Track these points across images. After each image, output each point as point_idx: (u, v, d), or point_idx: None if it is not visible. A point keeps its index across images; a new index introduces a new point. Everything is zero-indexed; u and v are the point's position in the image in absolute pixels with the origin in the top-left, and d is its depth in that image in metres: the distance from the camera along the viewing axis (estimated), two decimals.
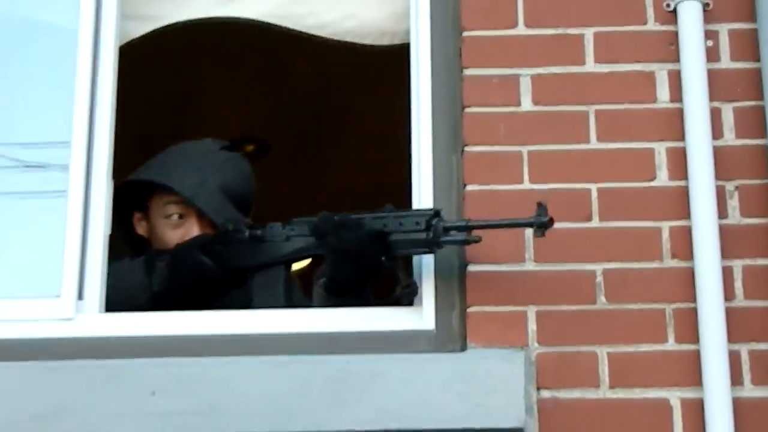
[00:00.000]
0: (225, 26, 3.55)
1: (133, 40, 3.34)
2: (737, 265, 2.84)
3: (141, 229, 3.44)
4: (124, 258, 3.32)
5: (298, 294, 3.24)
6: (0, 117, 3.37)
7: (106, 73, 3.12)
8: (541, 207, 2.74)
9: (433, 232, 2.80)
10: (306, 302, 3.13)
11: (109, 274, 3.15)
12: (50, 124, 3.27)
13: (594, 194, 2.85)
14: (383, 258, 2.89)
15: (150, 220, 3.44)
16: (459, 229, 2.83)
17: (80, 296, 2.92)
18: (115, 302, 3.12)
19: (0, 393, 2.76)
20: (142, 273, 3.25)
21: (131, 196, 3.43)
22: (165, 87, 3.40)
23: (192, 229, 3.36)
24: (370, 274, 2.97)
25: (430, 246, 2.83)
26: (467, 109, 2.95)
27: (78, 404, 2.73)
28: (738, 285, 2.82)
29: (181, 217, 3.39)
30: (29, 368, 2.79)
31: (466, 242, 2.85)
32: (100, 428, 2.73)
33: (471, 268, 2.84)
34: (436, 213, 2.82)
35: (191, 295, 3.17)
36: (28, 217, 3.29)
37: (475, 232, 2.88)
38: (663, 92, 2.92)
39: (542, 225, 2.72)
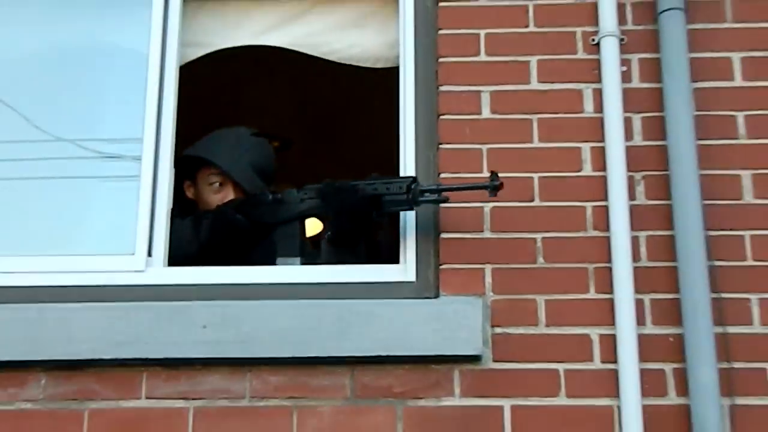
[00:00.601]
0: (260, 51, 3.59)
1: (190, 61, 3.46)
2: (642, 235, 2.96)
3: (190, 193, 3.55)
4: (175, 219, 3.37)
5: (308, 245, 3.30)
6: (87, 119, 3.44)
7: (169, 87, 3.26)
8: (494, 174, 2.86)
9: (412, 194, 2.91)
10: (315, 252, 3.22)
11: (178, 223, 3.32)
12: (126, 125, 3.35)
13: (536, 181, 2.98)
14: (374, 214, 2.98)
15: (197, 187, 3.55)
16: (431, 191, 2.94)
17: (149, 254, 3.09)
18: (173, 253, 3.28)
19: (89, 326, 2.92)
20: (191, 228, 3.35)
21: (183, 169, 3.51)
22: (213, 97, 3.52)
23: (228, 194, 3.47)
24: (363, 228, 3.07)
25: (410, 204, 2.94)
26: (442, 117, 3.08)
27: (147, 335, 2.90)
28: (643, 250, 2.95)
29: (220, 185, 3.50)
30: (111, 308, 2.94)
31: (437, 202, 2.95)
32: (164, 353, 2.89)
33: (443, 235, 2.97)
34: (414, 179, 2.93)
35: (228, 244, 3.30)
36: (108, 196, 3.36)
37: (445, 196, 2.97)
38: (588, 105, 3.04)
39: (495, 187, 2.83)
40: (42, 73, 3.46)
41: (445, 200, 2.92)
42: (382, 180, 3.01)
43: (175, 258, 3.27)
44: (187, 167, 3.53)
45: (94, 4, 3.50)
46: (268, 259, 3.20)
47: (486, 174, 2.99)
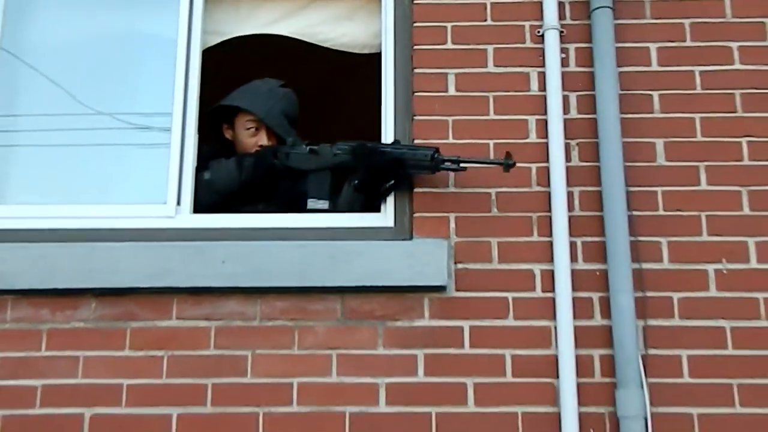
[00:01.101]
0: (268, 38, 3.54)
1: (211, 47, 3.44)
2: (576, 190, 2.99)
3: (228, 135, 3.50)
4: (221, 160, 3.41)
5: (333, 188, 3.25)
6: (125, 96, 3.41)
7: (194, 68, 3.25)
8: (508, 153, 2.88)
9: (435, 161, 2.91)
10: (337, 197, 3.22)
11: (210, 169, 3.34)
12: (158, 101, 3.31)
13: (491, 147, 3.01)
14: (399, 173, 2.99)
15: (234, 131, 3.50)
16: (452, 161, 2.94)
17: (178, 203, 3.11)
18: (216, 190, 3.32)
19: (130, 261, 2.95)
20: (234, 168, 3.34)
21: (221, 114, 3.52)
22: (229, 76, 3.51)
23: (262, 137, 3.44)
24: (384, 183, 3.07)
25: (432, 170, 2.95)
26: (416, 94, 3.10)
27: (176, 268, 2.94)
28: (576, 202, 2.99)
29: (256, 129, 3.46)
30: (148, 246, 2.98)
31: (456, 170, 2.96)
32: (191, 283, 2.92)
33: (416, 190, 3.00)
34: (436, 150, 2.93)
35: (264, 184, 3.29)
36: (144, 158, 3.34)
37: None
38: (534, 85, 3.07)
39: (509, 165, 2.86)
40: (88, 56, 3.42)
41: (464, 170, 2.93)
42: (408, 147, 3.02)
43: (213, 193, 3.30)
44: (225, 113, 3.51)
45: None
46: (300, 199, 3.21)
47: (452, 141, 3.04)
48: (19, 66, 3.37)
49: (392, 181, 3.03)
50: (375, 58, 3.32)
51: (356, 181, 3.08)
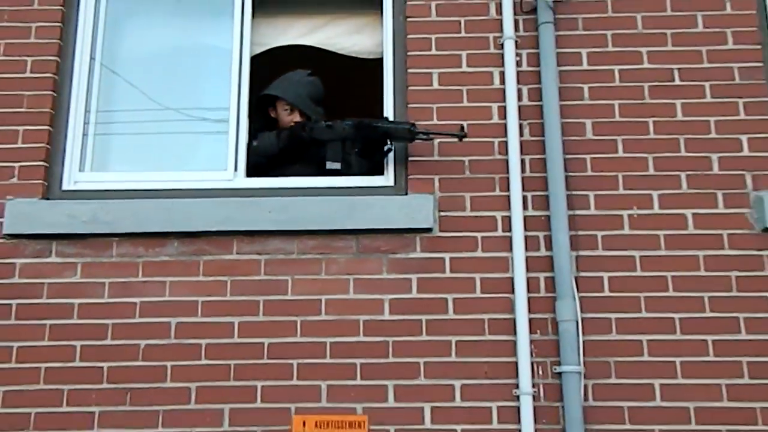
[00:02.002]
0: (298, 48, 3.46)
1: (256, 54, 3.31)
2: (527, 158, 2.93)
3: (273, 114, 3.38)
4: (266, 132, 3.28)
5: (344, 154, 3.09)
6: (190, 93, 3.28)
7: (244, 71, 3.14)
8: (461, 127, 2.84)
9: (411, 133, 2.88)
10: (347, 160, 3.12)
11: (257, 139, 3.24)
12: (217, 98, 3.21)
13: (465, 127, 2.88)
14: (389, 142, 2.98)
15: (276, 112, 3.38)
16: (424, 134, 2.89)
17: (235, 170, 3.03)
18: (261, 153, 3.22)
19: (201, 212, 2.91)
20: (274, 138, 3.24)
21: (267, 100, 3.38)
22: (269, 77, 3.42)
23: (296, 116, 3.30)
24: (382, 149, 3.04)
25: (410, 139, 2.91)
26: (409, 88, 3.03)
27: (235, 216, 2.90)
28: (527, 166, 2.93)
29: (291, 110, 3.32)
30: (213, 202, 2.94)
31: (426, 139, 2.90)
32: (246, 227, 2.88)
33: (410, 159, 2.96)
34: (413, 124, 2.89)
35: (295, 150, 3.20)
36: (211, 139, 3.22)
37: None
38: (496, 80, 3.00)
39: (461, 136, 2.82)
40: (160, 63, 3.31)
41: (431, 139, 2.90)
42: (394, 123, 2.99)
43: (259, 156, 3.21)
44: (269, 98, 3.40)
45: (195, 16, 3.35)
46: (321, 161, 3.13)
47: (436, 122, 2.98)
48: (112, 74, 3.28)
49: (391, 148, 2.98)
50: (379, 62, 3.26)
51: (356, 150, 3.04)
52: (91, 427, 2.70)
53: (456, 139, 2.83)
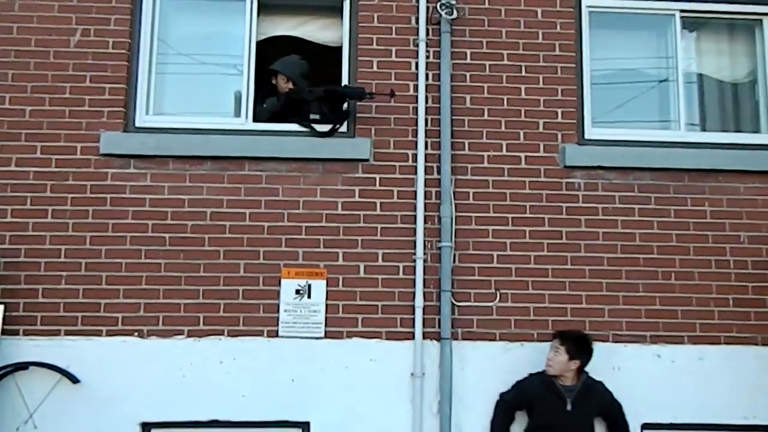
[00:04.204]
0: (287, 38, 4.18)
1: (259, 41, 4.01)
2: (429, 118, 3.85)
3: (274, 82, 3.98)
4: (270, 97, 3.93)
5: (320, 111, 3.79)
6: (215, 64, 4.07)
7: (252, 54, 3.90)
8: (392, 91, 3.60)
9: (361, 94, 3.64)
10: (321, 114, 3.76)
11: (265, 102, 3.94)
12: (233, 68, 3.92)
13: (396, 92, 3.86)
14: (348, 101, 3.70)
15: (277, 81, 3.99)
16: (369, 94, 3.68)
17: (246, 117, 3.89)
18: (267, 111, 3.89)
19: (224, 143, 3.77)
20: (276, 101, 3.89)
21: (271, 73, 3.98)
22: (268, 58, 4.06)
23: (290, 85, 3.95)
24: (340, 106, 3.73)
25: (360, 98, 3.66)
26: (360, 70, 3.88)
27: (246, 147, 3.76)
28: (430, 120, 3.86)
29: (287, 80, 3.96)
30: (232, 138, 3.83)
31: (371, 98, 3.61)
32: (253, 154, 3.80)
33: (357, 115, 3.85)
34: (362, 88, 3.65)
35: (290, 107, 3.77)
36: (228, 99, 4.01)
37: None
38: (413, 67, 3.89)
39: (393, 95, 3.57)
40: (194, 43, 4.07)
41: (373, 97, 3.74)
42: (351, 87, 3.74)
43: (266, 112, 3.92)
44: (273, 73, 3.98)
45: (217, 12, 4.07)
46: (305, 115, 3.76)
47: (379, 89, 3.89)
48: (165, 50, 4.15)
49: (349, 106, 3.80)
50: (340, 49, 4.04)
51: (328, 106, 3.82)
52: (159, 270, 3.95)
53: (389, 98, 3.82)
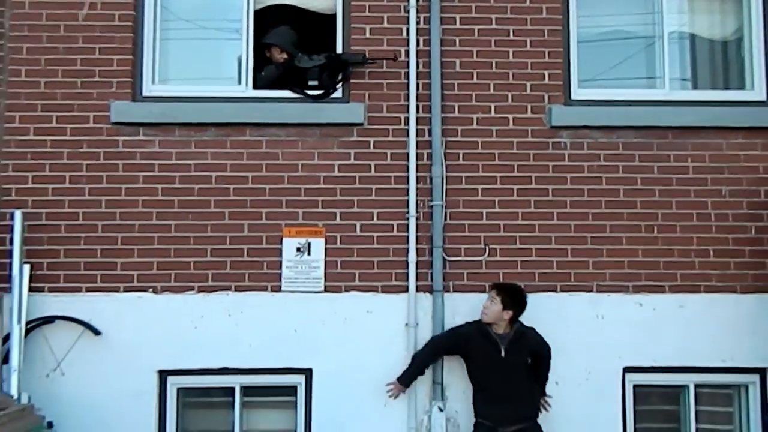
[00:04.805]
0: (282, 6, 4.25)
1: (256, 9, 4.13)
2: (420, 83, 3.97)
3: (268, 54, 4.11)
4: (268, 66, 4.07)
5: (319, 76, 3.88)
6: (216, 31, 4.29)
7: (250, 21, 4.01)
8: (395, 55, 3.68)
9: (361, 60, 3.74)
10: (320, 81, 3.86)
11: (264, 71, 4.08)
12: (233, 33, 4.06)
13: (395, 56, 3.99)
14: (347, 66, 3.79)
15: (271, 52, 4.13)
16: (371, 60, 3.78)
17: (246, 84, 4.04)
18: (266, 79, 4.05)
19: (226, 109, 3.89)
20: (273, 69, 4.04)
21: (266, 45, 4.09)
22: (266, 26, 4.18)
23: (284, 55, 4.10)
24: (338, 72, 3.84)
25: (361, 63, 3.73)
26: (353, 37, 3.99)
27: (248, 113, 3.94)
28: (420, 84, 3.96)
29: (281, 51, 4.10)
30: (234, 105, 3.93)
31: (372, 62, 3.72)
32: (254, 120, 3.93)
33: (352, 81, 3.96)
34: (364, 54, 3.70)
35: (289, 76, 3.94)
36: (230, 67, 4.08)
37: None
38: (404, 33, 4.01)
39: (396, 59, 3.69)
40: (197, 13, 4.15)
41: (374, 63, 3.85)
42: (350, 54, 3.88)
43: (265, 81, 4.06)
44: (268, 45, 4.12)
45: None
46: (303, 81, 3.91)
47: (371, 54, 3.98)
48: (169, 24, 4.28)
49: (342, 75, 3.96)
50: (334, 17, 4.17)
51: (326, 73, 3.95)
52: (170, 231, 4.19)
53: (392, 62, 3.95)
